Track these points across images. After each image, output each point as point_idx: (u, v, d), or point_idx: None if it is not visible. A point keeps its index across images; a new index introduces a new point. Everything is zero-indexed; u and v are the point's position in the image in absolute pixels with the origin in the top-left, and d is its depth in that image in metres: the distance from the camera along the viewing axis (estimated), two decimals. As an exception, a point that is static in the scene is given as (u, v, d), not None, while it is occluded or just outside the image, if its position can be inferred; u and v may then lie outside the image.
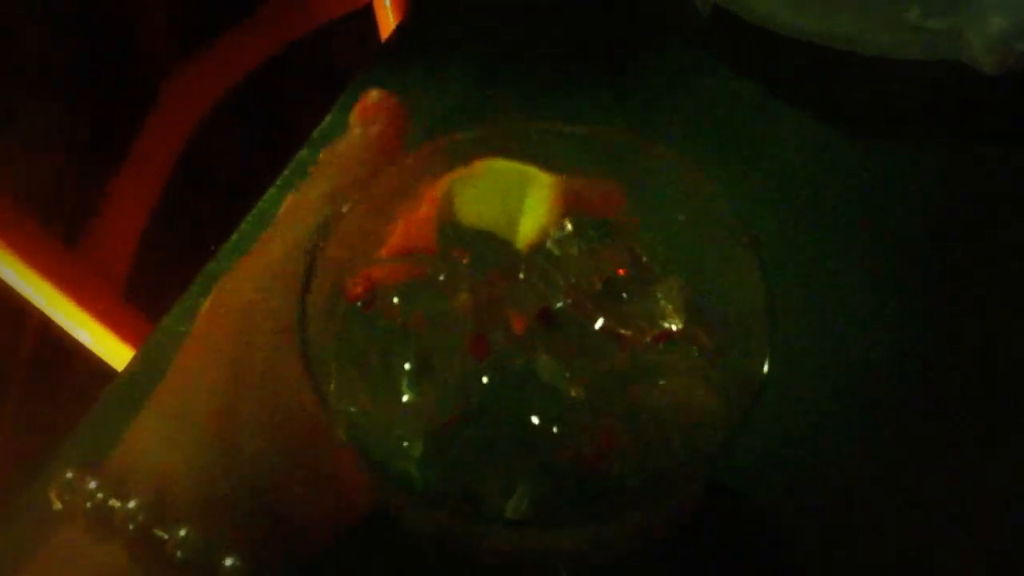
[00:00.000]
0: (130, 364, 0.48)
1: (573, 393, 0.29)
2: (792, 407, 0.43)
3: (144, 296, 0.93)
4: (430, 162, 0.31)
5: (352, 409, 0.28)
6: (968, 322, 0.47)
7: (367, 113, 0.35)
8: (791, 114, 0.55)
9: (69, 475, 0.29)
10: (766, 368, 0.26)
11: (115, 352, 0.87)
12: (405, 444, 0.29)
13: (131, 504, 0.28)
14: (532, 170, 0.31)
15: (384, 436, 0.29)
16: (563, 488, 0.27)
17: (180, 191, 1.00)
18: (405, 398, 0.29)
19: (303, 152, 0.56)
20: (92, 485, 0.29)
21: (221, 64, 0.99)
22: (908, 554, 0.40)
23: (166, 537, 0.28)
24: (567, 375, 0.29)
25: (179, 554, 0.28)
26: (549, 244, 0.30)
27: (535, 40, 0.61)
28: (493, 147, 0.31)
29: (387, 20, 1.02)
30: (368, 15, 1.04)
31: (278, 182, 0.54)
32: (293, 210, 0.34)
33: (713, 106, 0.56)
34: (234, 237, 0.52)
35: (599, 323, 0.29)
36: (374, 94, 0.36)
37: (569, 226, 0.30)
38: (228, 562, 0.28)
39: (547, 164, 0.31)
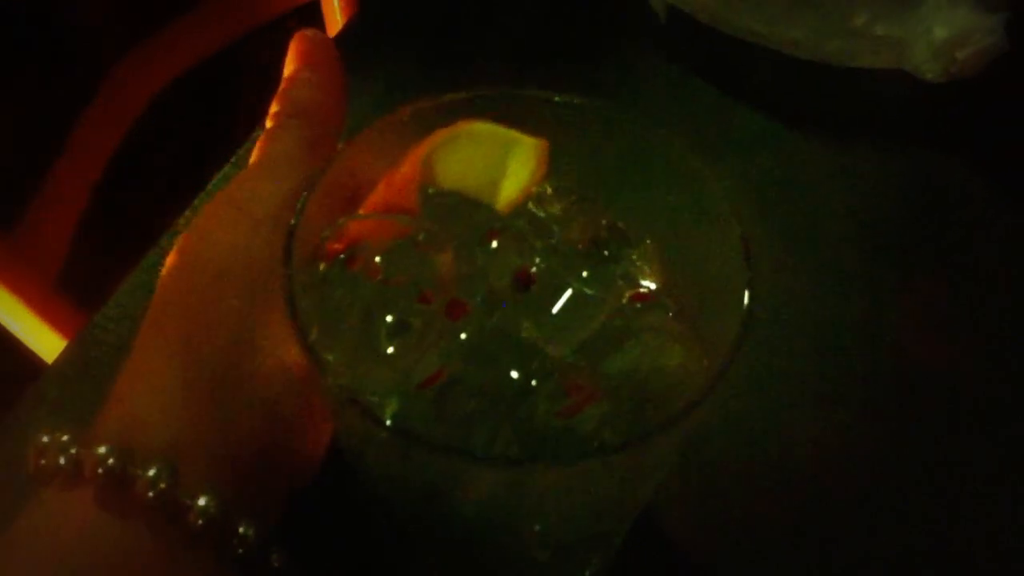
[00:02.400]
0: (80, 336, 0.47)
1: (551, 351, 0.29)
2: (761, 405, 0.44)
3: (78, 289, 0.90)
4: (413, 123, 0.31)
5: (330, 358, 0.28)
6: (907, 308, 0.49)
7: (307, 53, 0.36)
8: (742, 112, 0.57)
9: (45, 439, 0.28)
10: (742, 325, 0.27)
11: (46, 342, 0.85)
12: (381, 401, 0.29)
13: (151, 472, 0.27)
14: (515, 133, 0.31)
15: (361, 391, 0.29)
16: (541, 441, 0.28)
17: (118, 183, 0.98)
18: (384, 354, 0.29)
19: (258, 132, 0.55)
20: (102, 450, 0.27)
21: (164, 56, 0.97)
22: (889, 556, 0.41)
23: (189, 507, 0.27)
24: (545, 335, 0.29)
25: (200, 523, 0.27)
26: (531, 204, 0.31)
27: (488, 42, 0.61)
28: (477, 110, 0.31)
29: (334, 17, 1.02)
30: (315, 11, 1.03)
31: (232, 160, 0.54)
32: (265, 161, 0.34)
33: (668, 105, 0.57)
34: (188, 213, 0.52)
35: (577, 284, 0.30)
36: (309, 33, 0.37)
37: (549, 189, 0.31)
38: (242, 529, 0.28)
39: (531, 130, 0.31)
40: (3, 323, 0.86)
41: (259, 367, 0.30)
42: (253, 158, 0.34)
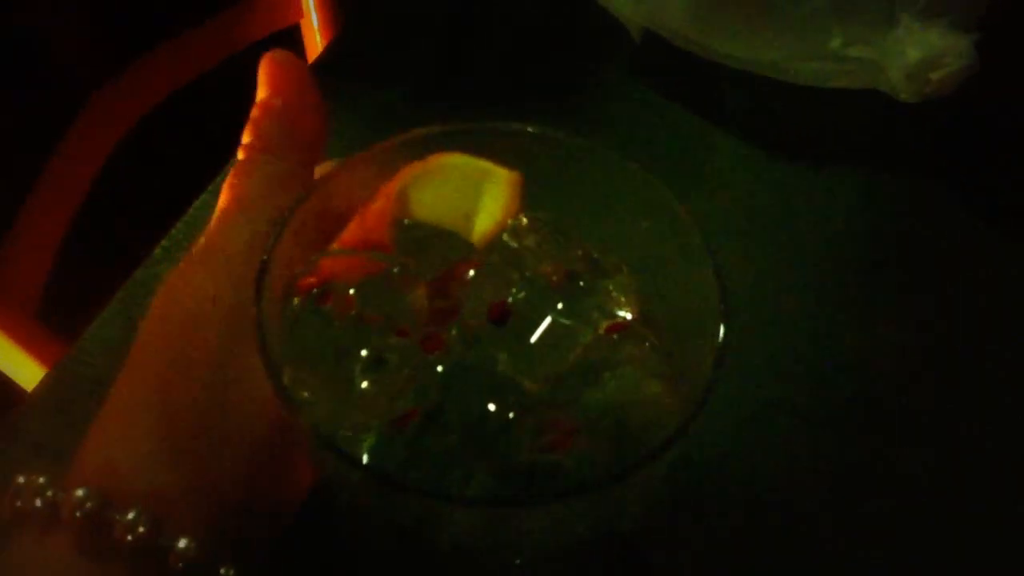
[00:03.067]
0: (57, 367, 0.47)
1: (528, 385, 0.29)
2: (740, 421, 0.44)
3: (57, 317, 0.90)
4: (386, 157, 0.31)
5: (306, 395, 0.28)
6: (889, 327, 0.49)
7: (276, 77, 0.36)
8: (720, 136, 0.57)
9: (21, 480, 0.28)
10: (716, 358, 0.27)
11: (25, 371, 0.84)
12: (359, 436, 0.29)
13: (130, 516, 0.27)
14: (488, 165, 0.31)
15: (337, 428, 0.28)
16: (519, 478, 0.27)
17: (97, 211, 0.97)
18: (359, 390, 0.29)
19: (233, 161, 0.55)
20: (80, 494, 0.27)
21: (142, 84, 0.97)
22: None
23: (169, 548, 0.27)
24: (522, 368, 0.29)
25: (181, 565, 0.27)
26: (505, 237, 0.31)
27: (466, 67, 0.62)
28: (450, 143, 0.31)
29: (314, 42, 1.02)
30: (294, 36, 1.03)
31: (210, 188, 0.54)
32: (237, 201, 0.33)
33: (644, 131, 0.57)
34: (164, 243, 0.51)
35: (554, 316, 0.29)
36: (277, 55, 0.36)
37: (524, 220, 0.31)
38: (223, 570, 0.28)
39: (505, 161, 0.31)
40: (-18, 353, 0.86)
41: (236, 410, 0.30)
42: (223, 197, 0.33)
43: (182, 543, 0.27)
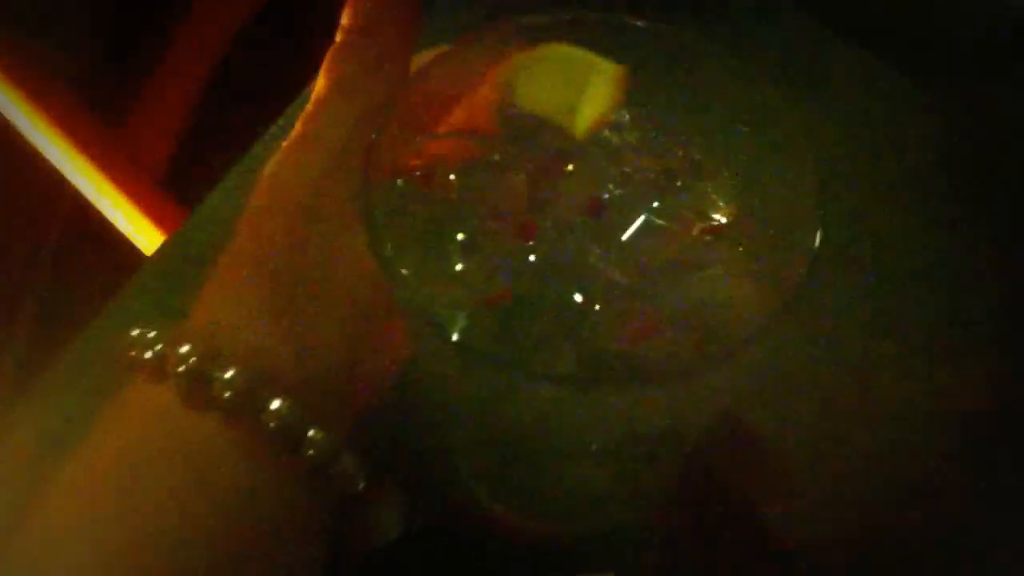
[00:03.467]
0: (183, 229, 0.49)
1: (617, 278, 0.30)
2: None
3: (181, 187, 0.93)
4: (494, 44, 0.31)
5: (405, 272, 0.29)
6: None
7: None
8: (839, 46, 0.54)
9: (136, 332, 0.30)
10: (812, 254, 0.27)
11: (149, 237, 0.89)
12: (452, 312, 0.30)
13: (230, 373, 0.29)
14: (595, 58, 0.31)
15: (432, 304, 0.30)
16: (600, 364, 0.28)
17: (222, 86, 1.00)
18: (454, 270, 0.30)
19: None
20: (185, 349, 0.29)
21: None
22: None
23: (263, 408, 0.29)
24: (612, 262, 0.30)
25: (272, 425, 0.29)
26: (607, 132, 0.31)
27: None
28: (558, 33, 0.31)
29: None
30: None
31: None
32: (337, 85, 0.34)
33: (759, 33, 0.55)
34: (280, 122, 0.53)
35: (648, 214, 0.30)
36: None
37: (627, 115, 0.31)
38: (312, 432, 0.29)
39: (612, 55, 0.31)
40: (109, 217, 0.90)
41: (340, 280, 0.31)
42: (320, 81, 0.34)
43: (275, 404, 0.29)
